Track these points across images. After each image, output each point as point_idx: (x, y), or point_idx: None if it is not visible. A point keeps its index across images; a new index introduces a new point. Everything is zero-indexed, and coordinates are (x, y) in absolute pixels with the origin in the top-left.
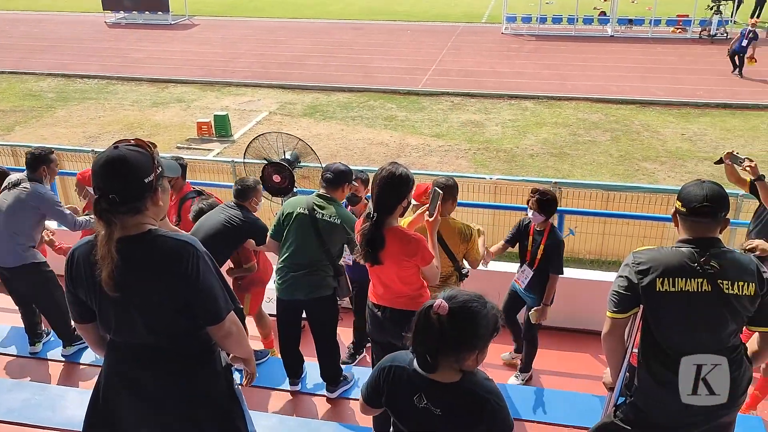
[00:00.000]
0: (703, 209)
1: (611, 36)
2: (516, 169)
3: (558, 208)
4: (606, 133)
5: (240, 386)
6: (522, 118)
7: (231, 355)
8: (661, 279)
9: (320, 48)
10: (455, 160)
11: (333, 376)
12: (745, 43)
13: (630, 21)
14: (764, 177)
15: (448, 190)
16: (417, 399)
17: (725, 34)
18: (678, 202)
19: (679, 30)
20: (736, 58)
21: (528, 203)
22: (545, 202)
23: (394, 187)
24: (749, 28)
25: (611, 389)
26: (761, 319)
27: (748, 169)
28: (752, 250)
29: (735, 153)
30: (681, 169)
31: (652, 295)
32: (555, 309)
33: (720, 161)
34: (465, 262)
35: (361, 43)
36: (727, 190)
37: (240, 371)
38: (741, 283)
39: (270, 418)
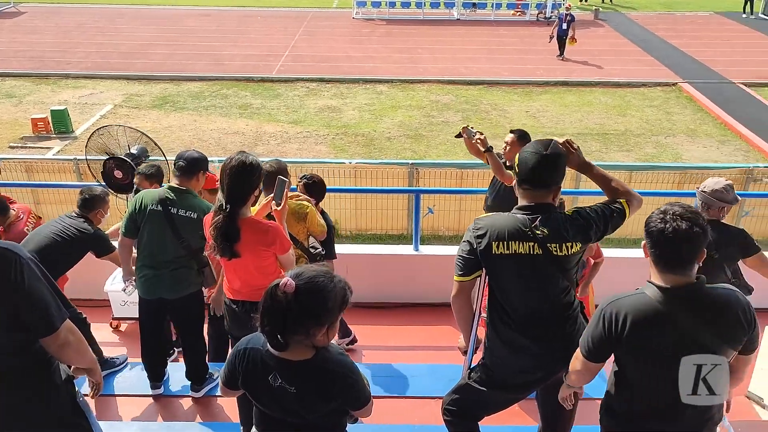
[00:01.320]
0: (532, 178)
1: (457, 19)
2: (375, 153)
3: (417, 188)
4: (458, 114)
5: (85, 398)
6: (377, 101)
7: (72, 366)
8: (496, 242)
9: (166, 36)
10: (314, 146)
11: (200, 375)
12: (565, 26)
13: (474, 5)
14: (492, 148)
15: (283, 174)
16: (272, 379)
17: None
18: (516, 173)
19: (519, 13)
20: (563, 40)
21: (297, 186)
22: (311, 185)
23: (245, 176)
24: (564, 12)
25: (466, 352)
26: None
27: (478, 142)
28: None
29: (470, 127)
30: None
31: (489, 257)
32: (416, 285)
33: (459, 135)
34: (314, 242)
35: (210, 30)
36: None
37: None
38: (568, 245)
39: (130, 426)
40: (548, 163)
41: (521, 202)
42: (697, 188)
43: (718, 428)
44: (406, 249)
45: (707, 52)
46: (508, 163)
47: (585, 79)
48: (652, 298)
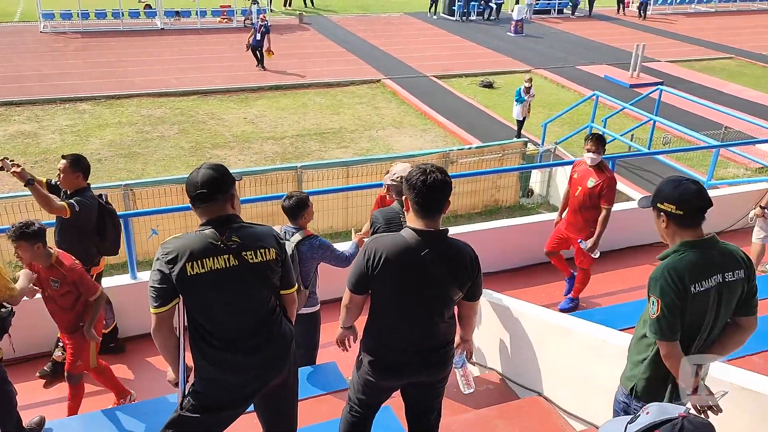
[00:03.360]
0: (201, 195)
1: (162, 29)
2: None
3: (125, 212)
4: (174, 127)
5: None
6: (81, 121)
7: None
8: (190, 263)
9: None
10: (9, 179)
11: None
12: (259, 36)
13: (177, 13)
14: (33, 181)
15: None
16: None
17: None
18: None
19: (225, 20)
20: (258, 52)
21: None
22: None
23: None
24: (260, 22)
25: (177, 384)
26: (285, 284)
27: (15, 175)
28: None
29: (7, 160)
30: (249, 151)
31: (185, 280)
32: (138, 316)
33: (1, 168)
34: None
35: None
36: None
37: None
38: (262, 251)
39: None
40: (213, 177)
41: (202, 219)
42: (388, 178)
43: (459, 372)
44: (122, 279)
45: (402, 50)
46: (69, 191)
47: (298, 81)
48: (406, 238)
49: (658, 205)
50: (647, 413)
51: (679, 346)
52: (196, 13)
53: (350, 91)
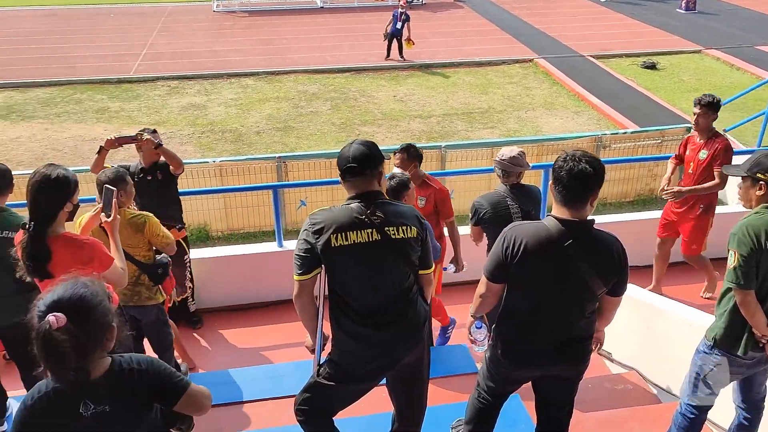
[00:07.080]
0: (351, 169)
1: (321, 7)
2: (244, 149)
3: (274, 183)
4: (326, 103)
5: None
6: (244, 95)
7: None
8: (335, 235)
9: (6, 39)
10: (180, 147)
11: None
12: (399, 25)
13: None
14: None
15: (119, 182)
16: (83, 408)
17: (422, 1)
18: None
19: None
20: (395, 41)
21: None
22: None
23: (50, 191)
24: (400, 10)
25: (313, 351)
26: (423, 263)
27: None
28: None
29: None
30: (396, 128)
31: (328, 251)
32: (283, 282)
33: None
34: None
35: (58, 31)
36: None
37: None
38: (404, 228)
39: None
40: (364, 153)
41: (349, 193)
42: (495, 159)
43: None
44: (271, 246)
45: (557, 28)
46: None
47: (448, 60)
48: (549, 227)
49: (758, 174)
50: None
51: (753, 295)
52: None
53: (501, 71)
